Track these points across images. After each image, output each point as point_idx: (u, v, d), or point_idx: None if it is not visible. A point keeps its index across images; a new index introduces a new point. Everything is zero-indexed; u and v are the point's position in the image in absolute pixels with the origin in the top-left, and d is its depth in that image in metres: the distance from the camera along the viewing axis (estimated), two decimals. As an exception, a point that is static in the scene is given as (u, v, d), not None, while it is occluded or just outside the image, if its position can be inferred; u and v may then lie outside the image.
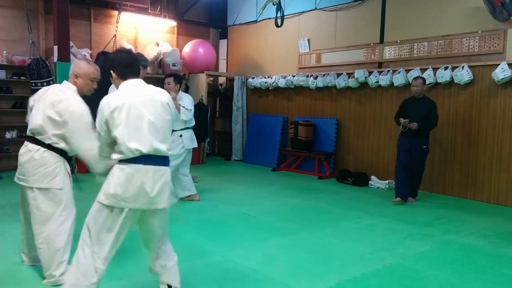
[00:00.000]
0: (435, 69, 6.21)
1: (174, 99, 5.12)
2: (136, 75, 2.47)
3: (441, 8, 6.27)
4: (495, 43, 5.71)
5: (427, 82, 6.23)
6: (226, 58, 10.08)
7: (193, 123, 5.50)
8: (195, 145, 5.52)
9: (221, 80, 10.12)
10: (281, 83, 8.45)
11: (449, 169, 6.21)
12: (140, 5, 8.49)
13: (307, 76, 8.01)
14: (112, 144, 2.35)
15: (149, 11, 8.70)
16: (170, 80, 5.29)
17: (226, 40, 10.05)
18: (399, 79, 6.55)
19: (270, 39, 8.91)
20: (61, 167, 2.97)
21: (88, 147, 2.77)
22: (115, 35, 7.67)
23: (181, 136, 5.29)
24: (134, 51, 8.50)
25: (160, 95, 2.43)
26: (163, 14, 9.08)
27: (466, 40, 6.00)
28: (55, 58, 6.92)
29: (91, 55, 7.96)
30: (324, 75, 7.72)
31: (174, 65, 8.93)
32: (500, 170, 5.72)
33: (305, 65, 8.23)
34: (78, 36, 8.03)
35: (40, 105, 2.93)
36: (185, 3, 9.49)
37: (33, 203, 2.99)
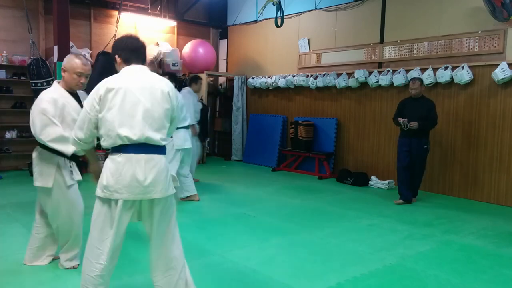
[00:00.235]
0: (435, 69, 6.21)
1: None
2: (141, 61, 2.40)
3: (441, 8, 6.27)
4: (495, 43, 5.71)
5: (427, 82, 6.24)
6: (226, 58, 10.08)
7: (186, 122, 5.40)
8: (189, 145, 5.36)
9: (221, 80, 10.13)
10: (281, 83, 8.45)
11: (449, 169, 6.21)
12: (140, 5, 8.49)
13: (307, 76, 8.01)
14: (94, 131, 2.30)
15: (149, 11, 8.70)
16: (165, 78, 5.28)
17: (226, 40, 10.05)
18: (399, 79, 6.55)
19: (270, 39, 8.91)
20: (51, 166, 3.01)
21: (48, 133, 2.87)
22: (115, 35, 7.66)
23: (171, 136, 5.24)
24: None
25: (162, 83, 2.35)
26: (163, 14, 9.08)
27: (466, 40, 6.00)
28: (55, 58, 6.92)
29: (91, 55, 7.95)
30: (324, 75, 7.72)
31: (174, 65, 8.94)
32: (500, 170, 5.72)
33: (305, 65, 8.23)
34: (78, 36, 8.04)
35: None
36: (185, 3, 9.49)
37: (39, 200, 3.20)
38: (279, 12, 7.12)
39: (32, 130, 2.95)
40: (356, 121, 7.46)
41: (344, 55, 7.56)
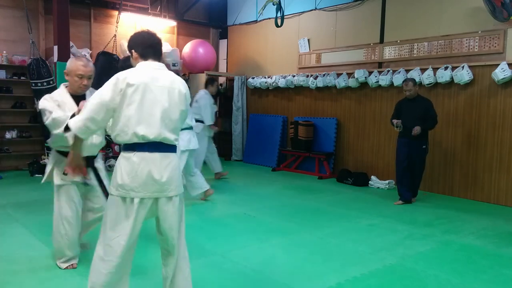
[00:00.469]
0: (435, 69, 6.21)
1: None
2: (158, 57, 2.39)
3: (441, 8, 6.26)
4: (495, 43, 5.71)
5: (427, 82, 6.24)
6: (226, 58, 10.08)
7: (190, 123, 5.35)
8: (193, 146, 5.31)
9: (221, 80, 10.11)
10: (281, 83, 8.45)
11: (449, 169, 6.21)
12: (140, 5, 8.49)
13: (307, 76, 8.01)
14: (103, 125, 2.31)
15: (149, 11, 8.70)
16: None
17: (226, 40, 10.05)
18: (399, 79, 6.54)
19: (270, 39, 8.91)
20: (51, 162, 3.14)
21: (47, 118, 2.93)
22: (115, 35, 7.67)
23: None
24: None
25: (180, 84, 2.36)
26: (163, 14, 9.08)
27: (466, 40, 6.00)
28: (55, 58, 6.92)
29: (91, 55, 7.95)
30: (324, 75, 7.72)
31: (174, 65, 8.94)
32: (500, 170, 5.72)
33: (305, 65, 8.23)
34: (78, 36, 8.03)
35: None
36: (185, 3, 9.49)
37: None
38: (279, 12, 7.12)
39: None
40: (356, 121, 7.46)
41: (344, 55, 7.56)
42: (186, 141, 5.25)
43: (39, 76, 5.92)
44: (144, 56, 2.36)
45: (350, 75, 7.35)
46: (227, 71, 10.01)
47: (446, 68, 6.08)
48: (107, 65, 6.69)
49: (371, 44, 7.14)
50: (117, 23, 7.67)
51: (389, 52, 6.90)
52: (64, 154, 3.00)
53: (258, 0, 8.89)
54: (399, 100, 5.78)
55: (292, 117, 8.43)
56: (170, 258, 2.40)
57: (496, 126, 5.75)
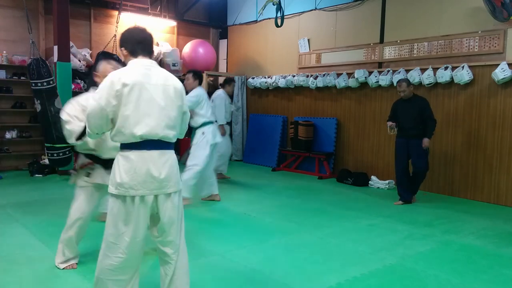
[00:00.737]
0: (435, 69, 6.21)
1: None
2: (147, 53, 2.37)
3: (441, 8, 6.26)
4: (495, 43, 5.71)
5: (427, 82, 6.24)
6: (226, 58, 10.08)
7: (210, 118, 5.33)
8: (219, 139, 5.43)
9: (221, 80, 10.11)
10: (281, 83, 8.45)
11: (449, 169, 6.21)
12: (140, 5, 8.49)
13: (307, 76, 8.01)
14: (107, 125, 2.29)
15: (149, 11, 8.70)
16: (189, 76, 5.33)
17: (226, 40, 10.05)
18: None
19: (270, 39, 8.91)
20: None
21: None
22: (115, 35, 7.66)
23: (203, 133, 5.24)
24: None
25: (174, 80, 2.36)
26: (163, 14, 9.08)
27: (466, 40, 6.00)
28: (55, 58, 6.93)
29: (91, 55, 7.96)
30: (324, 75, 7.72)
31: (174, 65, 8.94)
32: (500, 170, 5.72)
33: (305, 65, 8.23)
34: (78, 36, 8.04)
35: None
36: (185, 3, 9.49)
37: None
38: (279, 12, 7.12)
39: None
40: (356, 121, 7.46)
41: (344, 55, 7.56)
42: (212, 134, 5.31)
43: (39, 76, 5.89)
44: (134, 53, 2.34)
45: (350, 75, 7.35)
46: (227, 71, 10.01)
47: (446, 68, 6.08)
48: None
49: (371, 44, 7.14)
50: (117, 23, 7.67)
51: (389, 52, 6.90)
52: (90, 156, 3.15)
53: (258, 0, 8.89)
54: (395, 100, 5.73)
55: (292, 117, 8.43)
56: (170, 256, 2.39)
57: (496, 126, 5.75)
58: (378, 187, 6.71)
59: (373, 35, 7.11)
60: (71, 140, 3.05)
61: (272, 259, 3.52)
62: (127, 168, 2.23)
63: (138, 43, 2.34)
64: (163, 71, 2.38)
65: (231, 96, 6.97)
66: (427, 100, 5.54)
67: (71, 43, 7.38)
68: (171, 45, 9.27)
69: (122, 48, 2.37)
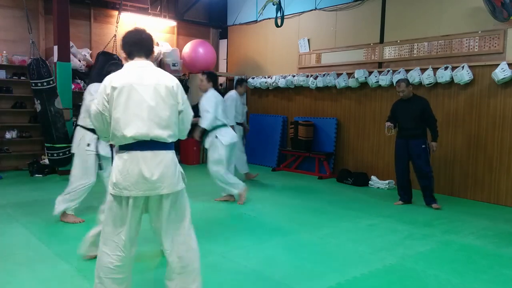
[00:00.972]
0: (435, 69, 6.21)
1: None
2: (144, 55, 2.38)
3: (441, 8, 6.26)
4: (495, 43, 5.71)
5: (427, 82, 6.24)
6: (226, 58, 10.08)
7: (221, 121, 5.29)
8: (234, 139, 5.37)
9: (221, 80, 10.11)
10: (281, 83, 8.45)
11: (449, 169, 6.21)
12: (140, 5, 8.49)
13: (307, 76, 8.01)
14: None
15: (149, 11, 8.70)
16: (203, 77, 5.30)
17: (226, 40, 10.05)
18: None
19: (270, 39, 8.91)
20: None
21: None
22: (115, 35, 7.66)
23: (216, 137, 5.22)
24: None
25: (166, 78, 2.34)
26: (163, 14, 9.08)
27: (466, 40, 6.00)
28: (55, 58, 6.93)
29: (91, 55, 7.95)
30: (324, 75, 7.72)
31: (174, 65, 8.94)
32: (500, 170, 5.72)
33: (305, 65, 8.23)
34: (78, 36, 8.03)
35: None
36: (185, 3, 9.49)
37: None
38: (279, 12, 7.12)
39: None
40: (356, 121, 7.46)
41: (344, 55, 7.56)
42: (231, 135, 5.34)
43: (39, 76, 5.90)
44: (131, 55, 2.37)
45: (350, 75, 7.35)
46: (227, 71, 10.01)
47: (446, 68, 6.07)
48: (106, 65, 6.68)
49: (371, 44, 7.14)
50: (117, 23, 7.66)
51: (389, 52, 6.90)
52: None
53: (258, 0, 8.89)
54: (395, 101, 5.66)
55: (292, 117, 8.43)
56: (168, 253, 2.40)
57: (496, 126, 5.75)
58: (378, 187, 6.71)
59: (373, 35, 7.11)
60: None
61: (272, 259, 3.51)
62: (120, 168, 2.26)
63: (134, 44, 2.36)
64: (158, 71, 2.37)
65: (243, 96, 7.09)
66: (427, 100, 5.52)
67: (71, 43, 7.38)
68: (171, 45, 9.27)
69: (122, 51, 2.40)
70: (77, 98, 7.02)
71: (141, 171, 2.23)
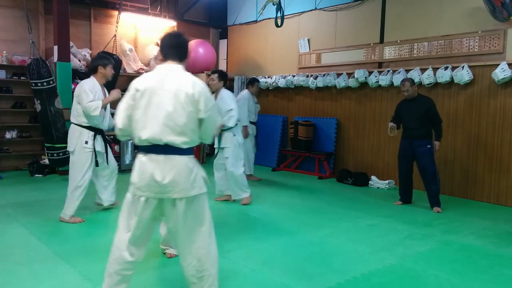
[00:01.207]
0: (435, 69, 6.21)
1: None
2: (178, 59, 2.43)
3: (441, 8, 6.27)
4: (495, 43, 5.71)
5: (427, 82, 6.24)
6: (226, 58, 10.08)
7: (242, 121, 5.43)
8: (243, 138, 5.57)
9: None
10: (281, 83, 8.45)
11: (449, 169, 6.21)
12: (140, 5, 8.49)
13: (307, 76, 8.01)
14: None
15: (149, 11, 8.70)
16: (214, 76, 5.29)
17: (226, 40, 10.05)
18: (399, 79, 6.52)
19: (270, 39, 8.91)
20: None
21: None
22: (115, 35, 7.67)
23: (234, 135, 5.23)
24: (134, 50, 8.55)
25: (188, 86, 2.32)
26: (163, 14, 9.08)
27: (466, 40, 6.00)
28: (55, 58, 6.93)
29: (91, 55, 7.95)
30: (324, 75, 7.72)
31: (174, 65, 8.93)
32: (500, 170, 5.72)
33: (305, 65, 8.23)
34: (78, 36, 8.04)
35: None
36: (185, 3, 9.50)
37: None
38: (279, 12, 7.13)
39: None
40: (356, 121, 7.46)
41: (344, 55, 7.56)
42: (242, 134, 5.53)
43: (39, 76, 5.91)
44: (166, 57, 2.44)
45: (350, 75, 7.35)
46: (227, 71, 9.99)
47: (446, 68, 6.07)
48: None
49: (371, 44, 7.14)
50: (117, 23, 7.67)
51: (389, 52, 6.90)
52: None
53: (258, 0, 8.89)
54: (400, 101, 5.62)
55: (292, 117, 8.43)
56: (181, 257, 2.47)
57: (496, 126, 5.75)
58: (378, 187, 6.71)
59: (373, 35, 7.11)
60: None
61: (272, 259, 3.52)
62: (137, 169, 2.36)
63: (169, 47, 2.44)
64: (183, 76, 2.37)
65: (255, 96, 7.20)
66: (432, 100, 5.43)
67: (71, 43, 7.38)
68: (171, 45, 9.26)
69: (160, 53, 2.49)
70: (77, 98, 7.01)
71: (153, 174, 2.28)
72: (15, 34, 7.40)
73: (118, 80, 7.60)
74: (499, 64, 5.54)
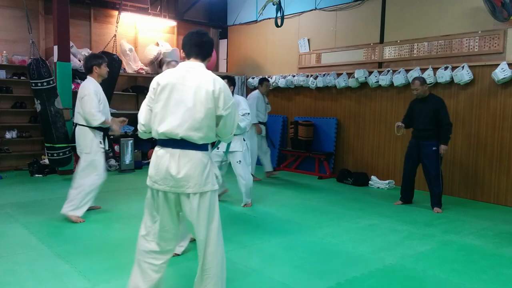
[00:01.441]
0: (435, 69, 6.21)
1: None
2: (200, 57, 2.46)
3: (441, 8, 6.27)
4: (495, 43, 5.71)
5: (427, 82, 6.22)
6: (226, 58, 10.08)
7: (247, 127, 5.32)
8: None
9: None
10: (281, 83, 8.45)
11: (449, 169, 6.21)
12: (140, 5, 8.49)
13: (307, 76, 8.01)
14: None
15: (149, 11, 8.70)
16: (224, 82, 5.27)
17: (226, 40, 10.05)
18: (399, 79, 6.55)
19: (270, 39, 8.91)
20: None
21: None
22: (115, 35, 7.67)
23: (244, 140, 5.24)
24: (134, 50, 8.55)
25: (209, 83, 2.33)
26: (163, 14, 9.08)
27: (466, 40, 6.00)
28: (55, 58, 6.93)
29: (91, 55, 7.95)
30: (324, 75, 7.72)
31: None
32: (500, 170, 5.72)
33: (305, 65, 8.23)
34: (78, 36, 8.04)
35: None
36: (185, 3, 9.50)
37: None
38: (279, 12, 7.13)
39: None
40: (356, 121, 7.46)
41: (344, 55, 7.56)
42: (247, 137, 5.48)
43: (39, 76, 5.90)
44: (188, 55, 2.48)
45: (350, 75, 7.35)
46: (227, 71, 10.01)
47: (446, 68, 6.08)
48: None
49: (371, 44, 7.14)
50: (117, 23, 7.67)
51: (389, 52, 6.90)
52: None
53: (258, 0, 8.90)
54: (412, 100, 5.53)
55: (292, 117, 8.43)
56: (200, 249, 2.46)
57: (496, 126, 5.75)
58: (378, 187, 6.71)
59: (373, 35, 7.11)
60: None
61: (272, 259, 3.52)
62: (154, 162, 2.39)
63: (193, 46, 2.46)
64: (204, 74, 2.39)
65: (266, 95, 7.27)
66: (443, 101, 5.33)
67: (71, 43, 7.38)
68: (171, 45, 9.26)
69: (182, 50, 2.53)
70: (77, 98, 7.02)
71: (168, 168, 2.31)
72: (15, 34, 7.40)
73: (118, 80, 7.61)
74: (499, 64, 5.54)
